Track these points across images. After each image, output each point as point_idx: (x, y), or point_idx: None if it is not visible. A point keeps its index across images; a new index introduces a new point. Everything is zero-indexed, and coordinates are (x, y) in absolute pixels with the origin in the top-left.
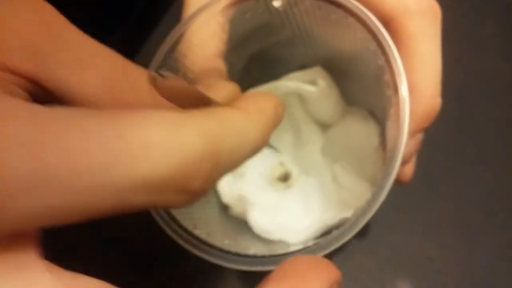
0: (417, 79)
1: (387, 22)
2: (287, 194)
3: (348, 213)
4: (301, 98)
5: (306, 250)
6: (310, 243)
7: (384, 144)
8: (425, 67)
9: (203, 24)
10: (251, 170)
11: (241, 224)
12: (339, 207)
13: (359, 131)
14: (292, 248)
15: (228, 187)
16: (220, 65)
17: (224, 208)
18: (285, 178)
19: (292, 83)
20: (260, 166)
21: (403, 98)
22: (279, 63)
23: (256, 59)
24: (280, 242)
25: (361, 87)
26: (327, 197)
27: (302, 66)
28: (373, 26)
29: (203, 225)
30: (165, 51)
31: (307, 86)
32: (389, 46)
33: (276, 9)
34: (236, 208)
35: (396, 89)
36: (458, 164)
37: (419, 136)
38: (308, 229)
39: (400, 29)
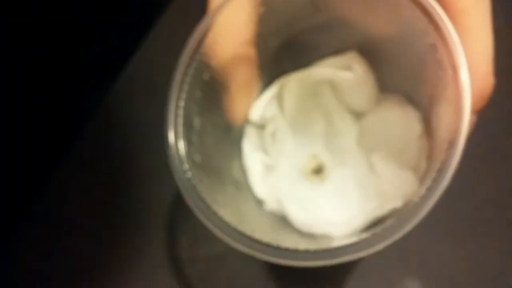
0: (470, 57)
1: None
2: (322, 187)
3: (397, 203)
4: (333, 86)
5: (364, 242)
6: (364, 235)
7: (428, 131)
8: (478, 44)
9: (235, 8)
10: (282, 164)
11: (279, 220)
12: (379, 198)
13: (396, 119)
14: (347, 240)
15: (262, 182)
16: (251, 52)
17: (259, 204)
18: (318, 170)
19: (326, 70)
20: (291, 159)
21: (463, 78)
22: (310, 49)
23: (287, 46)
24: (323, 236)
25: (398, 72)
26: (365, 188)
27: (335, 52)
28: (423, 0)
29: (245, 221)
30: (197, 41)
31: (343, 72)
32: (444, 22)
33: None
34: (271, 204)
35: (454, 69)
36: (469, 159)
37: (473, 119)
38: (351, 221)
39: (449, 4)
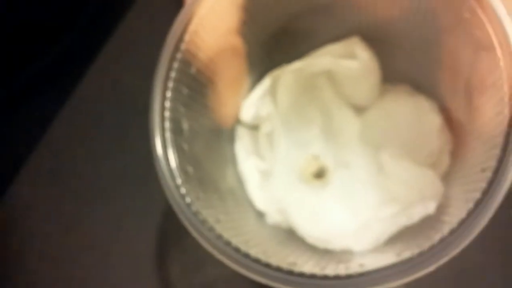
0: None
1: None
2: (327, 193)
3: (428, 209)
4: (332, 77)
5: (409, 262)
6: (406, 254)
7: (450, 122)
8: None
9: None
10: (280, 169)
11: (286, 234)
12: (396, 201)
13: (406, 111)
14: (381, 262)
15: (260, 192)
16: (237, 42)
17: (261, 217)
18: (320, 173)
19: (327, 59)
20: (288, 161)
21: None
22: (305, 37)
23: (278, 34)
24: (343, 252)
25: (408, 57)
26: (376, 191)
27: (334, 39)
28: None
29: (255, 243)
30: (180, 30)
31: (347, 61)
32: None
33: None
34: (273, 216)
35: (507, 48)
36: None
37: None
38: (369, 231)
39: None
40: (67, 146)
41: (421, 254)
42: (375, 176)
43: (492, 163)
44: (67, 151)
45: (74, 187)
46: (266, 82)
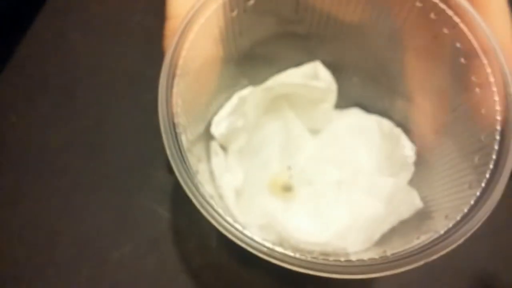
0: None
1: None
2: (296, 206)
3: (416, 204)
4: (292, 101)
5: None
6: (412, 245)
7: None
8: (499, 26)
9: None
10: (249, 185)
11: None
12: (361, 212)
13: (359, 131)
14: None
15: (238, 206)
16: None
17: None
18: (287, 189)
19: (299, 78)
20: (256, 178)
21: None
22: (270, 61)
23: (246, 57)
24: (339, 253)
25: (361, 84)
26: (340, 205)
27: (295, 65)
28: None
29: None
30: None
31: (315, 81)
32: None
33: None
34: (255, 231)
35: (492, 57)
36: None
37: None
38: (361, 233)
39: None
40: (8, 111)
41: (433, 242)
42: (337, 191)
43: (485, 159)
44: (9, 117)
45: (17, 159)
46: (233, 101)
